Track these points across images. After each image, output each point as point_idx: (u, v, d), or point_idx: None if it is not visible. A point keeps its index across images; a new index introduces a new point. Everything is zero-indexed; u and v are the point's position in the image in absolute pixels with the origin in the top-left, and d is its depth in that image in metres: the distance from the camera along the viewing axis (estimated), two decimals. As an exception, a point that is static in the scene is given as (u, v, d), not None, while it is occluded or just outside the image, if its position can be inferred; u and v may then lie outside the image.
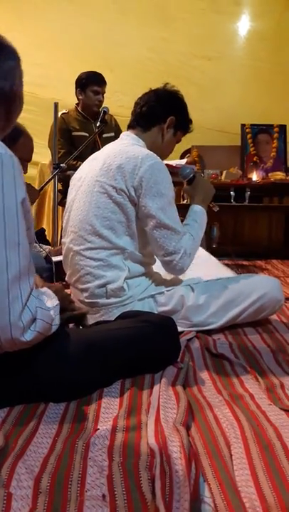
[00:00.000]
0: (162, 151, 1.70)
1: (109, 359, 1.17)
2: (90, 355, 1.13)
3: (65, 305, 1.34)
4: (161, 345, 1.27)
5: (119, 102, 4.03)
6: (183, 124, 1.74)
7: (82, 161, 3.15)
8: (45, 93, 4.06)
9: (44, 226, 3.93)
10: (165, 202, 1.53)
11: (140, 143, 1.66)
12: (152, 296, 1.60)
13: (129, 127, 1.74)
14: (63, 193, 3.36)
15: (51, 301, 1.06)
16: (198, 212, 1.69)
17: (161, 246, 1.53)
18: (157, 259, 1.63)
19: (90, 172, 1.61)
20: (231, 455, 0.86)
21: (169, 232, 1.52)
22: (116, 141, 1.73)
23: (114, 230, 1.53)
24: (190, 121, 1.77)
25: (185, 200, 3.40)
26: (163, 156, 1.69)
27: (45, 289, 1.13)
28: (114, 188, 1.52)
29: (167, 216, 1.52)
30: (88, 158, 1.76)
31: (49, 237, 3.12)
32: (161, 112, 1.68)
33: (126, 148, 1.60)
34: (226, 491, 0.76)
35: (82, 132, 3.30)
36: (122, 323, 1.28)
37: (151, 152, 1.58)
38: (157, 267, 1.70)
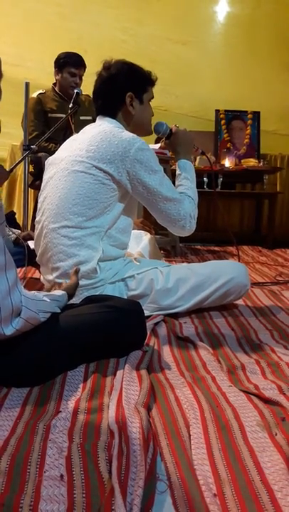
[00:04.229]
0: (141, 121, 1.70)
1: (74, 345, 1.16)
2: (54, 341, 1.12)
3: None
4: (127, 330, 1.24)
5: (93, 83, 3.96)
6: (142, 87, 1.69)
7: (55, 143, 3.13)
8: (18, 73, 3.95)
9: (14, 209, 3.87)
10: (160, 176, 1.60)
11: (119, 126, 1.65)
12: (123, 279, 1.61)
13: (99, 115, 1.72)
14: (34, 175, 3.29)
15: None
16: (187, 167, 1.76)
17: (168, 218, 1.64)
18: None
19: (72, 152, 1.61)
20: (190, 435, 0.89)
21: (172, 203, 1.61)
22: (95, 124, 1.69)
23: (94, 209, 1.54)
24: (148, 75, 1.70)
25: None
26: (145, 124, 1.74)
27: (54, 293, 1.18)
28: (101, 169, 1.54)
29: (166, 189, 1.60)
30: (68, 140, 1.74)
31: (19, 221, 3.08)
32: (117, 98, 1.66)
33: (111, 130, 1.59)
34: (182, 469, 0.78)
35: (59, 114, 3.20)
36: (88, 309, 1.25)
37: (133, 134, 1.60)
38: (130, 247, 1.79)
